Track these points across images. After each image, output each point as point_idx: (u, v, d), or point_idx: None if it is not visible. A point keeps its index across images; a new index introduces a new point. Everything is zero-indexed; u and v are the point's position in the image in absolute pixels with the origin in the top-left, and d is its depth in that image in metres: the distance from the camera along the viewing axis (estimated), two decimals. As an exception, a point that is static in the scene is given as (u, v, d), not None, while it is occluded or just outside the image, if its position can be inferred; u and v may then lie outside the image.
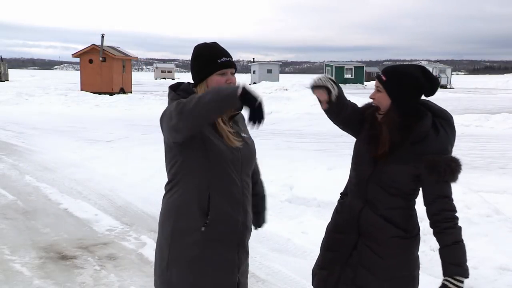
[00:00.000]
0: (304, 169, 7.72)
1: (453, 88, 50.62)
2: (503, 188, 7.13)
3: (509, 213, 5.56)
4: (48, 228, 5.69)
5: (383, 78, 2.30)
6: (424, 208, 2.32)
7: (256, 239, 4.83)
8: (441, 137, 2.28)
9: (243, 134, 2.32)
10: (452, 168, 2.21)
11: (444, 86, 51.83)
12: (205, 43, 2.33)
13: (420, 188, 2.37)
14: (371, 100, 2.45)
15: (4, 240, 5.31)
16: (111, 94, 29.88)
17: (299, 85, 37.74)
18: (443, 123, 2.32)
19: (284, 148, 11.37)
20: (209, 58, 2.24)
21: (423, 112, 2.32)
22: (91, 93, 28.27)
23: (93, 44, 33.36)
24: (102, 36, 32.42)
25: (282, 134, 13.73)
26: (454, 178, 2.23)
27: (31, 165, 9.23)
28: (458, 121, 15.85)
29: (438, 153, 2.24)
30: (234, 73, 2.30)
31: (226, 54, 2.27)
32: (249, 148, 2.34)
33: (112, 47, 35.18)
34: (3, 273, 4.41)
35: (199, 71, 2.26)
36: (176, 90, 2.31)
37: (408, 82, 2.28)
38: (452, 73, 64.83)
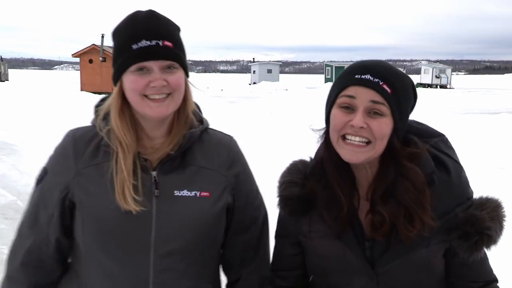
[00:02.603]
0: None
1: (453, 88, 50.69)
2: (503, 188, 7.13)
3: (509, 213, 5.56)
4: (48, 228, 5.69)
5: (388, 89, 1.24)
6: None
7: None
8: (455, 173, 1.33)
9: (177, 192, 1.36)
10: (502, 221, 1.35)
11: (444, 86, 51.88)
12: (128, 15, 1.37)
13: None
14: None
15: (4, 240, 5.31)
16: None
17: (299, 85, 37.78)
18: (443, 149, 1.37)
19: (285, 148, 11.37)
20: (123, 43, 1.34)
21: (411, 139, 1.35)
22: (91, 93, 28.28)
23: (93, 44, 33.37)
24: (102, 36, 32.44)
25: (282, 134, 13.72)
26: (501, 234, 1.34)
27: (31, 165, 9.23)
28: (458, 122, 15.90)
29: (464, 202, 1.33)
30: (183, 67, 1.35)
31: (151, 33, 1.30)
32: (179, 215, 1.34)
33: (112, 47, 35.21)
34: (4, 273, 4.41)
35: (113, 63, 1.39)
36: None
37: (412, 92, 1.33)
38: (452, 73, 64.93)
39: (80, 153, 1.39)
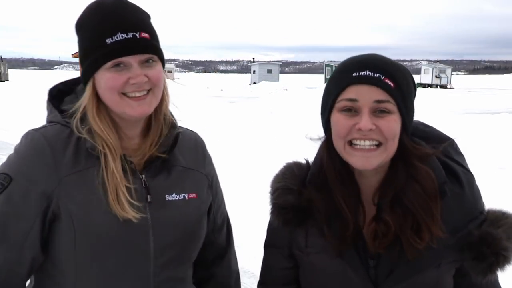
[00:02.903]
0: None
1: (453, 88, 50.77)
2: (503, 188, 7.13)
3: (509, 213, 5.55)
4: (48, 228, 5.68)
5: (391, 83, 1.12)
6: None
7: (258, 238, 4.79)
8: (468, 185, 1.22)
9: (168, 196, 1.26)
10: None
11: (444, 86, 51.93)
12: (93, 4, 1.23)
13: None
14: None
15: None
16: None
17: (299, 85, 37.86)
18: (453, 155, 1.25)
19: (284, 148, 11.37)
20: (94, 37, 1.19)
21: (417, 143, 1.23)
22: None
23: (93, 44, 33.40)
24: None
25: (282, 134, 13.73)
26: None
27: (31, 165, 9.22)
28: (458, 122, 15.91)
29: (477, 217, 1.19)
30: (160, 60, 1.26)
31: (125, 25, 1.17)
32: (174, 221, 1.26)
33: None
34: None
35: (81, 60, 1.24)
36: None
37: (412, 82, 1.21)
38: (452, 73, 65.04)
39: (60, 157, 1.20)
